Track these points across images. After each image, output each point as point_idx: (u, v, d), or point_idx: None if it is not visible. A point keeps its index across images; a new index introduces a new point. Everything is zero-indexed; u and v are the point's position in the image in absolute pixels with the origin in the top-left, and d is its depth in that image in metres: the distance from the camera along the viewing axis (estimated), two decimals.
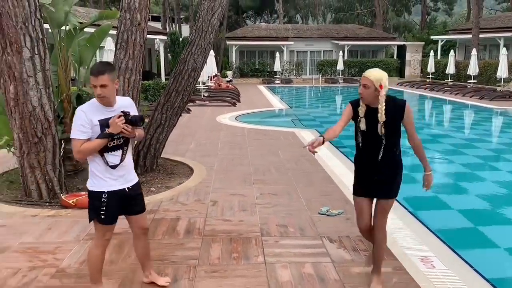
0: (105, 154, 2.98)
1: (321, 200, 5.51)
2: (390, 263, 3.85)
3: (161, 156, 7.45)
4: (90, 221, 3.13)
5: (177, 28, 40.70)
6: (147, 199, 5.68)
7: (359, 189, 3.39)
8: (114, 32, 6.64)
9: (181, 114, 7.50)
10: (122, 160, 3.05)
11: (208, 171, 7.11)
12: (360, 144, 3.31)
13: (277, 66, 28.99)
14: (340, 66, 29.12)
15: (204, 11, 7.00)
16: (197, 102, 16.89)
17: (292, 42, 31.25)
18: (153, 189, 6.24)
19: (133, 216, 3.24)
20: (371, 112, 3.15)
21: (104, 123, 2.92)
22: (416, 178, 5.68)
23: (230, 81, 28.29)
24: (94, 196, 3.05)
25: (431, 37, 35.02)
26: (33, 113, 5.38)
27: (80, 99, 7.26)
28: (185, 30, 41.27)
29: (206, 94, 18.97)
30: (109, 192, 3.02)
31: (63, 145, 6.93)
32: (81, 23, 7.35)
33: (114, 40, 7.26)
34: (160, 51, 27.02)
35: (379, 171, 3.26)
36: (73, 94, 7.05)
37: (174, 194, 5.94)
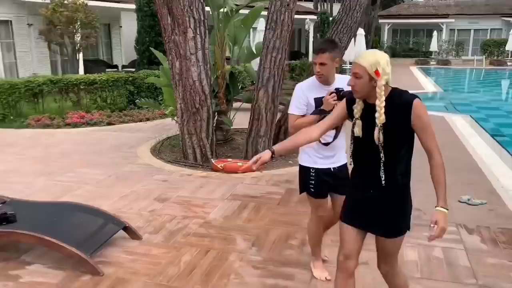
0: None
1: (463, 188, 5.20)
2: None
3: None
4: (300, 193, 3.21)
5: (329, 8, 40.44)
6: (285, 170, 6.11)
7: (348, 212, 2.46)
8: (265, 13, 7.09)
9: None
10: (335, 138, 3.02)
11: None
12: (352, 158, 2.43)
13: (433, 46, 27.03)
14: (509, 46, 25.79)
15: None
16: None
17: (453, 20, 28.64)
18: (291, 162, 6.61)
19: (338, 196, 3.12)
20: (370, 112, 2.25)
21: (319, 101, 2.98)
22: None
23: None
24: (303, 170, 3.12)
25: None
26: (193, 86, 6.15)
27: (233, 76, 7.98)
28: (337, 10, 40.76)
29: None
30: (316, 169, 3.06)
31: (216, 117, 7.76)
32: (237, 5, 7.99)
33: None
34: (310, 31, 27.33)
35: (364, 192, 2.36)
36: (227, 71, 7.77)
37: None
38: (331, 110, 2.63)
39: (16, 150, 7.39)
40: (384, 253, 2.44)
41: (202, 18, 6.07)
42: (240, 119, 8.00)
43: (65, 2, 11.89)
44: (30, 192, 5.17)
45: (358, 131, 2.29)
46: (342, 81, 2.98)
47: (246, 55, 8.30)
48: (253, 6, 8.33)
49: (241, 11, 8.06)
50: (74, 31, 12.16)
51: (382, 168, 2.24)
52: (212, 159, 6.33)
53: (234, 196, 5.12)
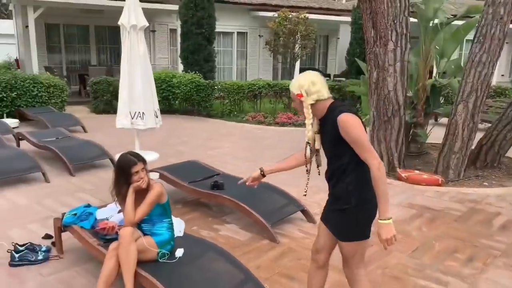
0: None
1: None
2: None
3: (505, 155, 7.14)
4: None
5: None
6: (474, 190, 5.83)
7: (322, 213, 2.64)
8: None
9: None
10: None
11: None
12: None
13: None
14: None
15: None
16: None
17: None
18: (486, 183, 6.22)
19: None
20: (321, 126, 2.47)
21: None
22: None
23: None
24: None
25: None
26: (387, 96, 6.43)
27: (435, 90, 7.86)
28: None
29: None
30: None
31: (411, 130, 7.80)
32: (448, 18, 7.82)
33: None
34: None
35: (329, 197, 2.55)
36: (428, 84, 7.72)
37: (505, 193, 5.77)
38: None
39: (234, 139, 8.96)
40: (342, 254, 2.55)
41: (405, 32, 6.28)
42: (438, 134, 7.83)
43: (290, 16, 13.45)
44: (237, 171, 6.35)
45: (317, 144, 2.51)
46: None
47: (453, 69, 8.05)
48: (470, 17, 7.98)
49: (453, 23, 7.86)
50: (294, 42, 13.62)
51: (332, 174, 2.44)
52: (398, 168, 6.48)
53: (410, 205, 5.24)
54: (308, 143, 2.52)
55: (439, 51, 7.88)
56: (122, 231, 2.98)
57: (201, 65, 12.69)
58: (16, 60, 17.06)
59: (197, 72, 11.99)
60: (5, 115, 9.78)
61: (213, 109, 11.54)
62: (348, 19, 16.37)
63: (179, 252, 3.22)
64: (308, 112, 2.38)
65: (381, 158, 6.67)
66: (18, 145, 7.36)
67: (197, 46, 12.67)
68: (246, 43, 17.66)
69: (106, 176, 6.15)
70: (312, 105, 2.38)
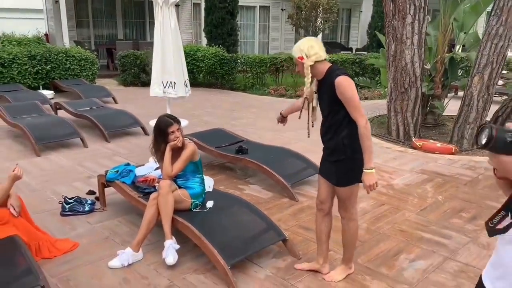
0: None
1: None
2: None
3: None
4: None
5: None
6: (486, 159, 6.07)
7: (320, 166, 3.07)
8: None
9: None
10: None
11: None
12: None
13: None
14: None
15: None
16: None
17: None
18: None
19: None
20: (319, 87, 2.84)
21: None
22: None
23: None
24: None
25: None
26: (404, 68, 6.67)
27: (453, 62, 8.02)
28: None
29: None
30: None
31: (429, 101, 8.01)
32: None
33: None
34: None
35: (324, 152, 2.96)
36: (447, 57, 7.87)
37: None
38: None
39: (256, 110, 9.34)
40: (339, 199, 2.95)
41: (423, 5, 6.46)
42: (456, 106, 8.02)
43: None
44: (261, 140, 6.75)
45: (315, 102, 2.89)
46: None
47: (472, 42, 8.16)
48: None
49: None
50: (316, 15, 13.76)
51: (328, 129, 2.81)
52: (413, 138, 6.77)
53: (423, 171, 5.56)
54: (307, 98, 2.91)
55: (459, 24, 7.99)
56: (162, 183, 3.43)
57: (225, 39, 13.00)
58: (46, 35, 17.64)
59: (220, 46, 12.30)
60: (41, 86, 10.38)
61: (236, 82, 11.89)
62: None
63: (210, 204, 3.66)
64: (307, 72, 2.72)
65: (397, 128, 7.00)
66: (56, 113, 7.92)
67: (221, 20, 12.95)
68: (269, 17, 17.79)
69: (139, 142, 6.65)
70: (311, 66, 2.71)
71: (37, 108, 7.39)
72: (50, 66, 10.47)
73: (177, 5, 15.78)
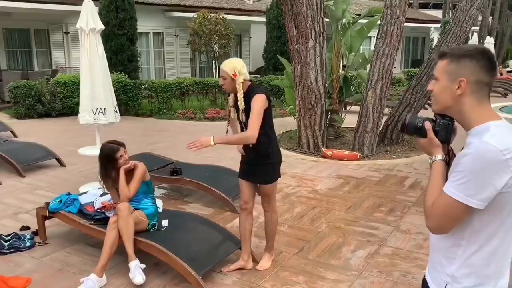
0: None
1: None
2: None
3: None
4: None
5: None
6: (386, 161, 7.02)
7: (240, 172, 3.51)
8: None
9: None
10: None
11: None
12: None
13: None
14: None
15: (463, 2, 7.61)
16: None
17: None
18: (394, 156, 7.48)
19: None
20: (236, 102, 3.30)
21: None
22: None
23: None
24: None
25: None
26: (310, 86, 7.41)
27: (346, 80, 9.06)
28: None
29: None
30: None
31: (329, 115, 8.91)
32: (354, 17, 9.04)
33: None
34: (434, 39, 26.79)
35: (246, 158, 3.40)
36: (341, 76, 8.88)
37: (410, 161, 7.04)
38: None
39: (169, 134, 9.42)
40: (264, 195, 3.47)
41: (322, 30, 7.30)
42: (350, 119, 9.04)
43: (209, 17, 14.09)
44: (187, 161, 6.89)
45: (233, 116, 3.39)
46: None
47: (360, 61, 9.31)
48: (371, 16, 9.28)
49: (359, 22, 9.09)
50: (214, 41, 14.30)
51: None
52: (322, 148, 7.50)
53: (338, 176, 6.24)
54: (232, 107, 3.36)
55: (348, 46, 9.08)
56: (121, 206, 3.47)
57: (125, 65, 12.84)
58: None
59: (121, 72, 12.14)
60: None
61: (141, 108, 11.79)
62: (260, 19, 17.40)
63: (165, 222, 3.78)
64: (239, 88, 3.19)
65: (308, 140, 7.68)
66: None
67: (120, 47, 12.80)
68: (163, 43, 17.91)
69: (57, 174, 6.36)
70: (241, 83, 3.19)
71: None
72: None
73: (66, 33, 15.19)
